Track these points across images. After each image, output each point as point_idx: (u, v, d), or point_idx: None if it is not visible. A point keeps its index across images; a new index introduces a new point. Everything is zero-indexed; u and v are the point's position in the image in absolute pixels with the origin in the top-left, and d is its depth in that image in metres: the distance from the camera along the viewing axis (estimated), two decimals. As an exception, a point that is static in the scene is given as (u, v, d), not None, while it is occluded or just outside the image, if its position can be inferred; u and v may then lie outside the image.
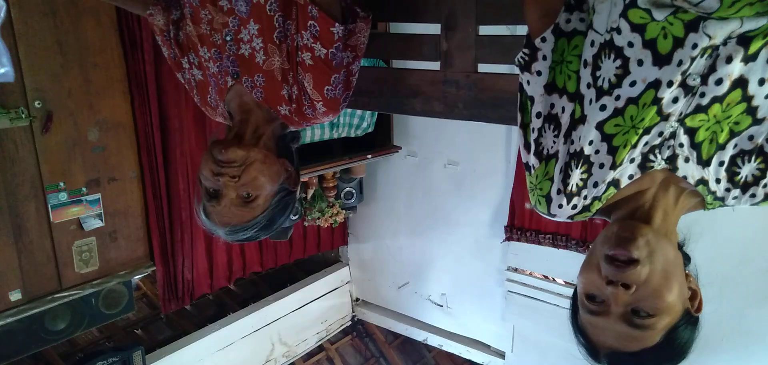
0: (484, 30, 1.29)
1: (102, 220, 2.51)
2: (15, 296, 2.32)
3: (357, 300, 4.36)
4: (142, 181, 2.66)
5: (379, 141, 3.53)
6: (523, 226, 3.21)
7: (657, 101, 0.76)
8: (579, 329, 0.86)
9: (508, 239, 3.29)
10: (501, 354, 3.65)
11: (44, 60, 2.22)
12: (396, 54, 1.54)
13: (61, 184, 2.36)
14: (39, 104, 2.23)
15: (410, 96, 1.42)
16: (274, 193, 1.19)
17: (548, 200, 0.93)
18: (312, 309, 3.96)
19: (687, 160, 0.81)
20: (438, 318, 3.95)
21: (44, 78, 2.23)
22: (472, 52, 1.30)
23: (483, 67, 1.31)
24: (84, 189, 2.44)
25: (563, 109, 0.89)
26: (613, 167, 0.84)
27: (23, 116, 2.18)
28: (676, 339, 0.79)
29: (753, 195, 0.79)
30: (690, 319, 0.81)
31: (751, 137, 0.77)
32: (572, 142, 0.87)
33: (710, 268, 3.10)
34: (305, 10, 1.11)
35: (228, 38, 1.20)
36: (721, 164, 0.79)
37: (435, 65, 1.37)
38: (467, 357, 3.81)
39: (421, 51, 1.40)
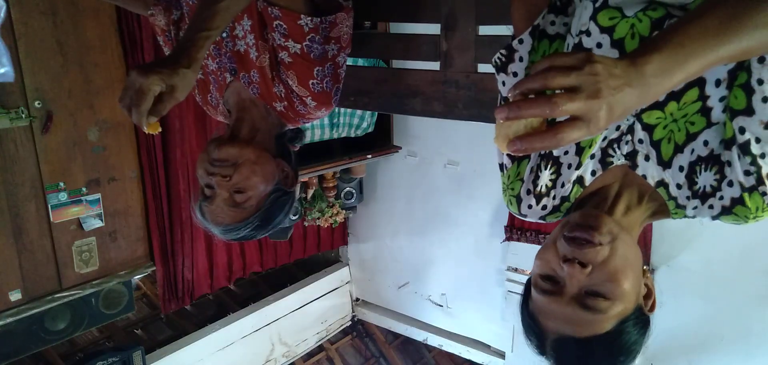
0: (484, 30, 1.29)
1: (102, 220, 2.51)
2: (15, 296, 2.32)
3: (357, 300, 4.36)
4: (142, 181, 2.66)
5: (379, 141, 3.53)
6: (523, 226, 3.21)
7: None
8: (529, 316, 0.83)
9: (508, 239, 3.29)
10: (501, 354, 3.65)
11: (44, 60, 2.22)
12: (396, 54, 1.54)
13: (61, 184, 2.36)
14: (39, 104, 2.23)
15: (410, 96, 1.42)
16: (268, 193, 1.18)
17: (519, 200, 0.94)
18: (312, 309, 3.96)
19: (647, 158, 0.82)
20: (438, 318, 3.95)
21: (44, 78, 2.23)
22: (472, 52, 1.30)
23: (483, 67, 1.31)
24: (84, 189, 2.44)
25: None
26: (579, 166, 0.85)
27: (23, 116, 2.18)
28: (624, 333, 0.77)
29: (711, 206, 0.76)
30: (641, 316, 0.79)
31: (706, 143, 0.76)
32: None
33: (711, 268, 3.11)
34: (267, 12, 1.10)
35: (224, 35, 1.20)
36: (681, 169, 0.79)
37: (435, 65, 1.37)
38: (467, 357, 3.81)
39: (421, 51, 1.40)
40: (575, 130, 0.56)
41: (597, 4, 0.77)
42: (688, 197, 0.79)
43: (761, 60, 0.67)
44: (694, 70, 0.58)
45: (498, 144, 0.63)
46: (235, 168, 1.11)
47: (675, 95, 0.76)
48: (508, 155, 0.95)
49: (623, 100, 0.56)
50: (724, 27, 0.56)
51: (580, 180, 0.87)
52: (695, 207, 0.79)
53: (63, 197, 2.37)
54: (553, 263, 0.78)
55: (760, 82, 0.68)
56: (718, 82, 0.73)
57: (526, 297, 0.86)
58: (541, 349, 0.82)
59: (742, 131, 0.70)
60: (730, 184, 0.74)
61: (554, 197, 0.91)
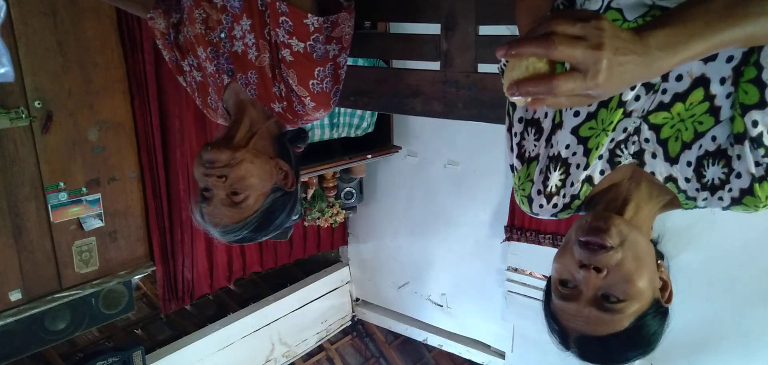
0: (484, 30, 1.29)
1: (102, 220, 2.51)
2: (15, 296, 2.32)
3: (357, 300, 4.36)
4: (142, 181, 2.66)
5: (379, 141, 3.53)
6: (523, 226, 3.21)
7: (622, 103, 0.80)
8: (551, 315, 0.87)
9: (508, 239, 3.29)
10: (501, 354, 3.65)
11: (44, 60, 2.22)
12: (396, 54, 1.54)
13: (61, 184, 2.36)
14: (39, 104, 2.23)
15: (410, 96, 1.42)
16: (266, 193, 1.17)
17: (530, 200, 0.97)
18: (312, 309, 3.96)
19: (654, 156, 0.83)
20: (438, 318, 3.95)
21: (44, 78, 2.23)
22: (472, 52, 1.30)
23: (483, 67, 1.31)
24: (84, 189, 2.44)
25: (545, 114, 0.92)
26: (587, 167, 0.87)
27: (23, 116, 2.18)
28: (644, 327, 0.80)
29: (720, 198, 0.78)
30: (659, 309, 0.82)
31: (714, 138, 0.77)
32: (551, 146, 0.91)
33: (711, 268, 3.10)
34: (274, 7, 1.09)
35: (222, 35, 1.20)
36: (689, 164, 0.80)
37: (435, 65, 1.37)
38: (467, 357, 3.81)
39: (421, 51, 1.40)
40: (571, 80, 0.56)
41: (600, 11, 0.78)
42: (697, 190, 0.81)
43: None
44: (699, 50, 0.58)
45: (505, 90, 0.64)
46: (230, 169, 1.11)
47: (681, 96, 0.77)
48: (517, 157, 0.97)
49: (626, 66, 0.56)
50: (728, 11, 0.57)
51: (589, 179, 0.89)
52: (705, 199, 0.81)
53: (63, 197, 2.37)
54: (570, 268, 0.81)
55: None
56: (722, 80, 0.74)
57: (547, 296, 0.90)
58: (565, 345, 0.86)
59: (755, 124, 0.71)
60: (739, 176, 0.75)
61: (564, 196, 0.93)
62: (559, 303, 0.83)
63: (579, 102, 0.61)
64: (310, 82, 1.15)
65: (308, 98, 1.17)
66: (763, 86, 0.70)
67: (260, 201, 1.16)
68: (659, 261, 0.86)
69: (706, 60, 0.74)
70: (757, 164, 0.72)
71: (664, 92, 0.78)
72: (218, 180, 1.10)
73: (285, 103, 1.19)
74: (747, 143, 0.72)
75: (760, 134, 0.71)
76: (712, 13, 0.57)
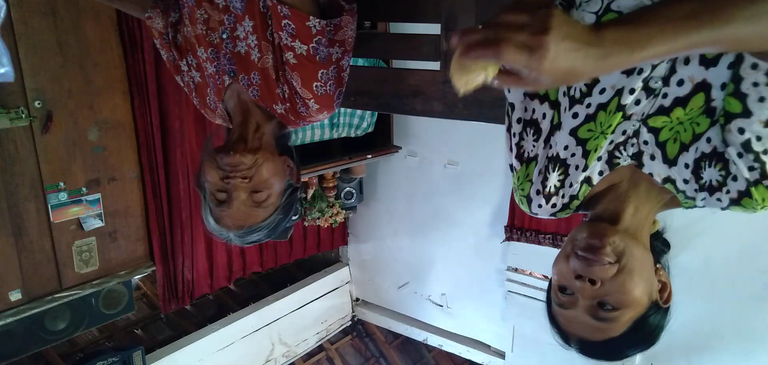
0: (484, 30, 1.29)
1: (102, 220, 2.51)
2: (15, 296, 2.32)
3: (357, 300, 4.36)
4: (142, 181, 2.66)
5: (379, 141, 3.53)
6: (523, 226, 3.21)
7: (621, 107, 0.81)
8: (552, 318, 0.91)
9: (508, 239, 3.29)
10: (501, 354, 3.65)
11: (44, 60, 2.22)
12: (396, 54, 1.54)
13: (61, 184, 2.36)
14: (39, 104, 2.23)
15: (410, 96, 1.42)
16: (283, 190, 1.20)
17: (529, 199, 0.98)
18: (312, 309, 3.96)
19: (653, 157, 0.84)
20: (438, 318, 3.95)
21: (44, 78, 2.23)
22: (472, 52, 1.30)
23: (483, 68, 1.31)
24: (84, 189, 2.44)
25: (544, 115, 0.92)
26: (586, 168, 0.88)
27: (23, 116, 2.18)
28: (643, 329, 0.83)
29: (719, 199, 0.79)
30: (658, 310, 0.84)
31: (709, 140, 0.77)
32: (550, 147, 0.92)
33: (711, 268, 3.09)
34: (276, 10, 1.09)
35: (224, 36, 1.20)
36: (687, 166, 0.80)
37: (435, 65, 1.37)
38: (467, 357, 3.81)
39: (421, 51, 1.40)
40: (517, 53, 0.57)
41: (599, 12, 0.79)
42: (696, 190, 0.81)
43: (754, 66, 0.68)
44: (659, 51, 0.57)
45: (453, 77, 0.68)
46: (254, 170, 1.13)
47: (681, 101, 0.77)
48: (516, 157, 0.98)
49: (574, 54, 0.56)
50: (693, 15, 0.56)
51: (588, 180, 0.90)
52: (704, 199, 0.81)
53: (63, 197, 2.37)
54: (567, 276, 0.83)
55: (755, 84, 0.68)
56: (723, 86, 0.73)
57: (549, 298, 0.93)
58: (566, 344, 0.89)
59: (742, 131, 0.71)
60: (735, 179, 0.75)
61: (563, 196, 0.94)
62: (557, 309, 0.86)
63: (521, 84, 0.62)
64: (314, 85, 1.15)
65: (312, 101, 1.17)
66: (744, 96, 0.69)
67: (279, 199, 1.20)
68: (658, 265, 0.87)
69: (708, 66, 0.73)
70: (751, 168, 0.72)
71: (665, 96, 0.78)
72: (242, 181, 1.12)
73: (288, 104, 1.20)
74: (732, 150, 0.72)
75: (748, 140, 0.70)
76: (677, 16, 0.57)
